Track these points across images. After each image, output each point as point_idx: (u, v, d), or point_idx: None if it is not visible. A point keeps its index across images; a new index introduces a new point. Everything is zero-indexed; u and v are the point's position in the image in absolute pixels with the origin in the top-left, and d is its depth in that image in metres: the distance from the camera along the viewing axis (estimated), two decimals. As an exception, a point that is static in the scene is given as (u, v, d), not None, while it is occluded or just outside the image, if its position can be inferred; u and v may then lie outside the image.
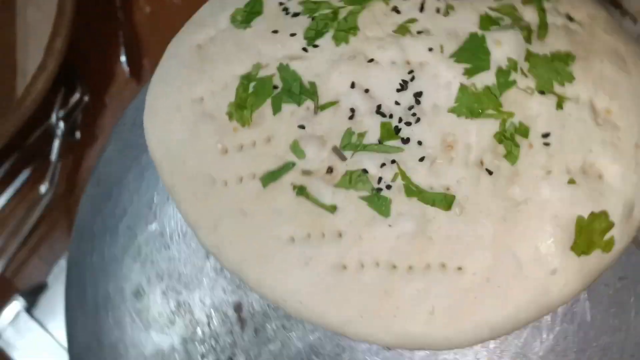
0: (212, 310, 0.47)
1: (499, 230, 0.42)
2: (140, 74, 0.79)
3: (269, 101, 0.48)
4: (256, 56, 0.49)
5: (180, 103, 0.50)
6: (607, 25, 0.48)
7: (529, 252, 0.42)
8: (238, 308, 0.49)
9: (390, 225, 0.44)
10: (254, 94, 0.48)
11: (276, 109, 0.48)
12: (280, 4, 0.51)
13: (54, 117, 0.76)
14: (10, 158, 0.77)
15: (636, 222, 0.43)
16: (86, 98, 0.77)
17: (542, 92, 0.44)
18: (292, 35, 0.49)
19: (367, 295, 0.43)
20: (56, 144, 0.75)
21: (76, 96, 0.77)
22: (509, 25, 0.46)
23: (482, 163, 0.44)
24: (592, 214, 0.42)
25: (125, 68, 0.79)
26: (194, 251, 0.49)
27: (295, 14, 0.50)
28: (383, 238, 0.44)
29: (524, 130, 0.44)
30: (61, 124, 0.75)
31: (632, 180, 0.43)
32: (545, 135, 0.44)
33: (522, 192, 0.43)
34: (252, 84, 0.49)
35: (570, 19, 0.48)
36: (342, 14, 0.49)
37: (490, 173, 0.44)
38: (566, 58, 0.45)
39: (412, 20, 0.48)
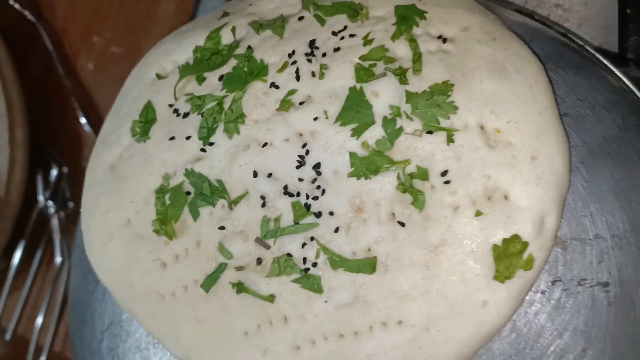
0: None
1: (425, 277, 0.43)
2: (105, 128, 0.81)
3: (186, 209, 0.50)
4: (162, 167, 0.50)
5: (111, 231, 0.51)
6: (482, 34, 0.47)
7: (457, 292, 0.43)
8: None
9: (326, 301, 0.45)
10: (171, 206, 0.50)
11: (195, 215, 0.49)
12: (170, 105, 0.52)
13: (41, 200, 0.80)
14: (18, 248, 0.81)
15: (550, 233, 0.43)
16: (65, 169, 0.81)
17: (429, 132, 0.44)
18: (188, 138, 0.50)
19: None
20: (54, 222, 0.79)
21: (54, 172, 0.80)
22: (382, 73, 0.46)
23: (394, 215, 0.45)
24: (504, 240, 0.43)
25: (88, 129, 0.81)
26: (170, 358, 0.52)
27: (186, 114, 0.51)
28: (323, 313, 0.45)
29: (423, 174, 0.44)
30: (50, 204, 0.79)
31: (535, 194, 0.43)
32: (444, 173, 0.44)
33: (437, 235, 0.44)
34: (166, 196, 0.50)
35: (444, 40, 0.47)
36: (227, 103, 0.49)
37: (403, 225, 0.44)
38: (445, 88, 0.45)
39: (292, 92, 0.48)
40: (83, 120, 0.84)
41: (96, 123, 0.84)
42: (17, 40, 0.89)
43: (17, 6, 0.94)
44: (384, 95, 0.46)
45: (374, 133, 0.46)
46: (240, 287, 0.48)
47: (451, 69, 0.45)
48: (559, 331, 0.44)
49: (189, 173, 0.50)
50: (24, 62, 0.90)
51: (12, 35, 0.88)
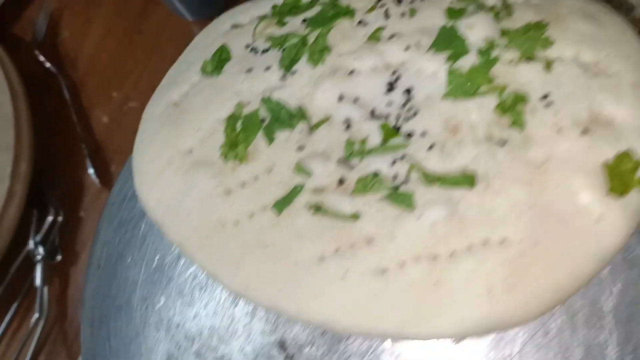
0: (255, 356, 0.41)
1: (531, 193, 0.39)
2: (111, 181, 0.74)
3: (260, 135, 0.45)
4: (236, 96, 0.47)
5: (170, 157, 0.46)
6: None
7: (568, 206, 0.39)
8: (282, 345, 0.43)
9: (418, 218, 0.40)
10: (243, 130, 0.45)
11: (270, 139, 0.45)
12: (247, 46, 0.50)
13: (31, 243, 0.69)
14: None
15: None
16: (60, 218, 0.72)
17: (527, 59, 0.43)
18: (267, 68, 0.47)
19: (418, 292, 0.38)
20: (38, 269, 0.68)
21: (50, 217, 0.72)
22: (476, 10, 0.46)
23: (492, 137, 0.42)
24: (615, 156, 0.40)
25: (95, 179, 0.75)
26: (219, 302, 0.43)
27: (265, 51, 0.48)
28: (415, 232, 0.40)
29: (522, 97, 0.42)
30: (40, 249, 0.69)
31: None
32: (545, 97, 0.42)
33: (541, 152, 0.41)
34: (238, 123, 0.46)
35: (529, -7, 0.48)
36: (311, 38, 0.48)
37: (503, 144, 0.41)
38: (539, 26, 0.45)
39: (380, 29, 0.47)
40: (90, 170, 0.79)
41: (103, 174, 0.79)
42: (34, 79, 0.87)
43: (40, 58, 0.93)
44: (479, 28, 0.44)
45: (468, 61, 0.44)
46: (317, 208, 0.42)
47: (542, 14, 0.45)
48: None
49: (266, 100, 0.46)
50: (39, 99, 0.87)
51: (31, 77, 0.86)
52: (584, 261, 0.38)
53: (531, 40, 0.44)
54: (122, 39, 0.95)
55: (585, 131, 0.41)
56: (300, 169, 0.43)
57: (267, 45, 0.49)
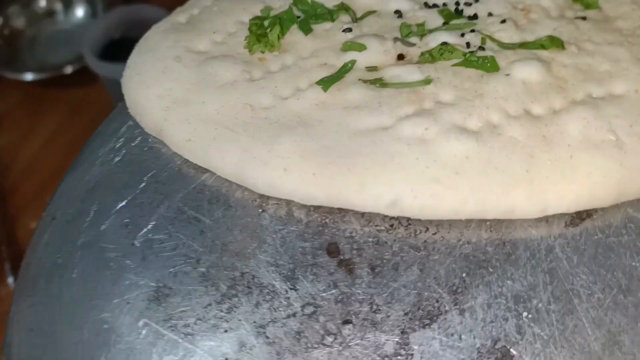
0: (293, 268, 0.28)
1: (633, 49, 0.33)
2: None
3: (294, 28, 0.38)
4: (261, 3, 0.40)
5: (178, 55, 0.37)
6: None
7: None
8: (333, 249, 0.30)
9: (507, 74, 0.32)
10: (274, 23, 0.38)
11: (307, 30, 0.37)
12: None
13: None
14: None
15: None
16: None
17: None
18: None
19: (525, 151, 0.28)
20: None
21: None
22: None
23: (568, 16, 0.36)
24: None
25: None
26: (238, 209, 0.31)
27: None
28: (507, 87, 0.31)
29: (591, -15, 0.38)
30: None
31: None
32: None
33: (629, 23, 0.35)
34: (266, 22, 0.38)
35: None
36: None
37: (584, 19, 0.36)
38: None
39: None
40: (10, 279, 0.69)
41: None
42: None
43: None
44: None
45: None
46: (376, 81, 0.33)
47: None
48: None
49: (299, 1, 0.39)
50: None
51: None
52: None
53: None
54: (65, 148, 0.89)
55: (672, 4, 0.37)
56: (351, 45, 0.35)
57: None
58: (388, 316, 0.27)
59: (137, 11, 0.95)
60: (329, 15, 0.38)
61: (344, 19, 0.38)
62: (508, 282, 0.28)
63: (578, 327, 0.26)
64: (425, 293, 0.28)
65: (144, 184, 0.35)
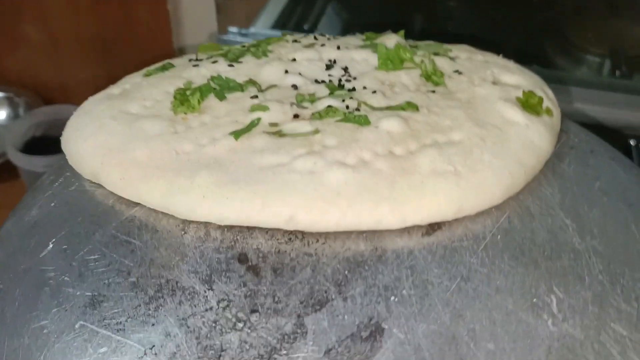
0: (209, 273, 0.33)
1: (467, 112, 0.41)
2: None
3: (211, 97, 0.44)
4: (184, 79, 0.46)
5: (114, 115, 0.42)
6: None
7: (500, 120, 0.41)
8: (243, 258, 0.34)
9: (377, 127, 0.39)
10: (194, 91, 0.44)
11: (221, 97, 0.44)
12: (190, 60, 0.51)
13: None
14: None
15: (553, 100, 0.46)
16: None
17: (435, 54, 0.49)
18: (214, 62, 0.48)
19: (388, 179, 0.35)
20: None
21: None
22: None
23: (422, 90, 0.45)
24: (524, 93, 0.44)
25: None
26: (164, 233, 0.36)
27: (209, 58, 0.50)
28: (376, 135, 0.39)
29: (438, 71, 0.47)
30: None
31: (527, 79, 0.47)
32: (456, 71, 0.47)
33: (465, 95, 0.44)
34: (188, 92, 0.44)
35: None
36: (253, 48, 0.51)
37: (433, 92, 0.44)
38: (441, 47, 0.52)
39: (313, 43, 0.51)
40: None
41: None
42: None
43: None
44: (391, 39, 0.51)
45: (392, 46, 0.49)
46: (277, 133, 0.39)
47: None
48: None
49: (215, 78, 0.45)
50: None
51: None
52: (525, 157, 0.39)
53: (433, 47, 0.52)
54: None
55: (495, 82, 0.46)
56: (257, 107, 0.42)
57: (214, 57, 0.50)
58: (287, 305, 0.32)
59: (57, 111, 0.99)
60: (240, 87, 0.45)
61: (252, 90, 0.45)
62: (379, 276, 0.33)
63: (432, 305, 0.32)
64: (316, 287, 0.33)
65: (80, 218, 0.39)
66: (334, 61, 0.48)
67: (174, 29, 1.05)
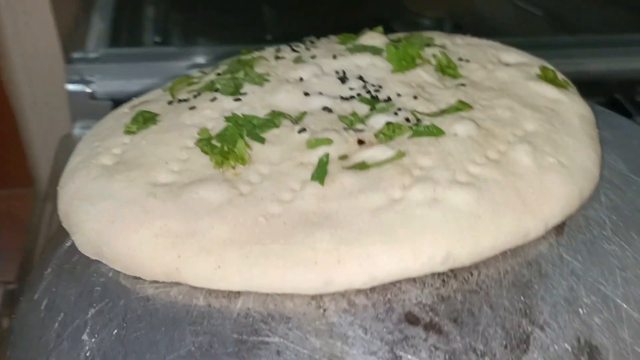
0: (390, 349, 0.27)
1: (514, 98, 0.40)
2: None
3: (248, 140, 0.36)
4: (193, 127, 0.37)
5: (148, 190, 0.32)
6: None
7: (543, 100, 0.40)
8: (412, 318, 0.28)
9: (455, 134, 0.36)
10: (226, 142, 0.35)
11: (261, 140, 0.36)
12: (170, 102, 0.41)
13: None
14: None
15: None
16: None
17: (427, 45, 0.47)
18: (213, 99, 0.40)
19: (510, 189, 0.33)
20: None
21: None
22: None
23: (449, 86, 0.42)
24: (541, 69, 0.44)
25: None
26: (298, 317, 0.28)
27: (196, 95, 0.41)
28: (461, 144, 0.35)
29: (449, 60, 0.44)
30: None
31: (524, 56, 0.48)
32: (461, 60, 0.44)
33: (493, 83, 0.42)
34: (213, 141, 0.36)
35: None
36: (240, 76, 0.43)
37: (463, 85, 0.42)
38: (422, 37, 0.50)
39: (299, 57, 0.45)
40: None
41: None
42: None
43: None
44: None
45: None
46: (360, 165, 0.34)
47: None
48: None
49: (232, 118, 0.37)
50: None
51: None
52: (585, 126, 0.39)
53: (417, 38, 0.49)
54: None
55: (507, 65, 0.45)
56: (317, 142, 0.35)
57: (195, 93, 0.41)
58: (494, 355, 0.28)
59: None
60: (272, 123, 0.38)
61: (286, 122, 0.38)
62: (554, 290, 0.31)
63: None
64: (507, 324, 0.29)
65: (176, 332, 0.29)
66: (344, 72, 0.43)
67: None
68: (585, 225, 0.34)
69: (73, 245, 0.34)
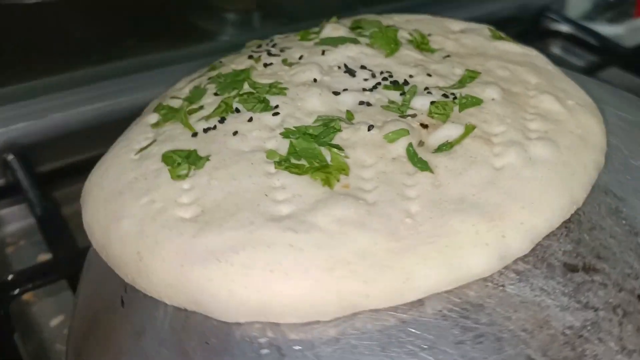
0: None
1: (499, 63, 0.43)
2: None
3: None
4: (255, 152, 0.33)
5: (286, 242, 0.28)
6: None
7: (522, 57, 0.45)
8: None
9: (492, 99, 0.38)
10: (307, 152, 0.33)
11: (338, 147, 0.34)
12: (194, 135, 0.36)
13: None
14: None
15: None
16: None
17: (388, 27, 0.47)
18: (250, 120, 0.36)
19: (571, 137, 0.36)
20: None
21: None
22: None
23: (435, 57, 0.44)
24: (490, 30, 0.48)
25: None
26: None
27: (221, 120, 0.36)
28: (500, 106, 0.37)
29: (425, 38, 0.46)
30: None
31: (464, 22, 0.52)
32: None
33: (466, 50, 0.45)
34: (292, 160, 0.33)
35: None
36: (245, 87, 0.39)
37: (448, 56, 0.44)
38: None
39: (285, 59, 0.42)
40: None
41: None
42: None
43: None
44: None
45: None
46: (446, 146, 0.35)
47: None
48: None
49: (289, 132, 0.34)
50: None
51: None
52: (564, 78, 0.44)
53: (372, 19, 0.49)
54: None
55: (461, 32, 0.49)
56: (393, 135, 0.34)
57: (218, 118, 0.37)
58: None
59: None
60: (332, 128, 0.35)
61: (345, 125, 0.36)
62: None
63: None
64: (631, 245, 0.33)
65: None
66: (345, 66, 0.41)
67: None
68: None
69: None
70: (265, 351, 0.27)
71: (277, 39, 0.48)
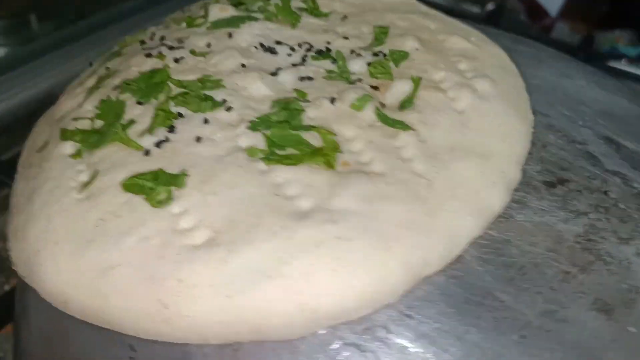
0: None
1: (399, 15, 0.44)
2: None
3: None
4: (236, 153, 0.30)
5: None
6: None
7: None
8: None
9: (417, 49, 0.39)
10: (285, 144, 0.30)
11: (309, 128, 0.31)
12: (146, 153, 0.30)
13: None
14: None
15: None
16: None
17: None
18: (206, 122, 0.31)
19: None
20: None
21: None
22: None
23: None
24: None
25: None
26: None
27: (170, 130, 0.31)
28: (434, 55, 0.39)
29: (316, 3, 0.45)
30: None
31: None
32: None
33: (358, 9, 0.45)
34: (277, 152, 0.29)
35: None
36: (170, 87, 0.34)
37: (346, 16, 0.43)
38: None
39: (194, 51, 0.38)
40: None
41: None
42: None
43: None
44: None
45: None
46: (407, 103, 0.34)
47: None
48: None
49: (254, 125, 0.31)
50: None
51: None
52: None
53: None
54: None
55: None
56: (359, 103, 0.33)
57: (167, 129, 0.31)
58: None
59: None
60: (294, 110, 0.32)
61: (303, 104, 0.33)
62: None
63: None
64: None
65: None
66: (261, 44, 0.38)
67: None
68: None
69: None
70: (345, 354, 0.25)
71: (157, 31, 0.42)
